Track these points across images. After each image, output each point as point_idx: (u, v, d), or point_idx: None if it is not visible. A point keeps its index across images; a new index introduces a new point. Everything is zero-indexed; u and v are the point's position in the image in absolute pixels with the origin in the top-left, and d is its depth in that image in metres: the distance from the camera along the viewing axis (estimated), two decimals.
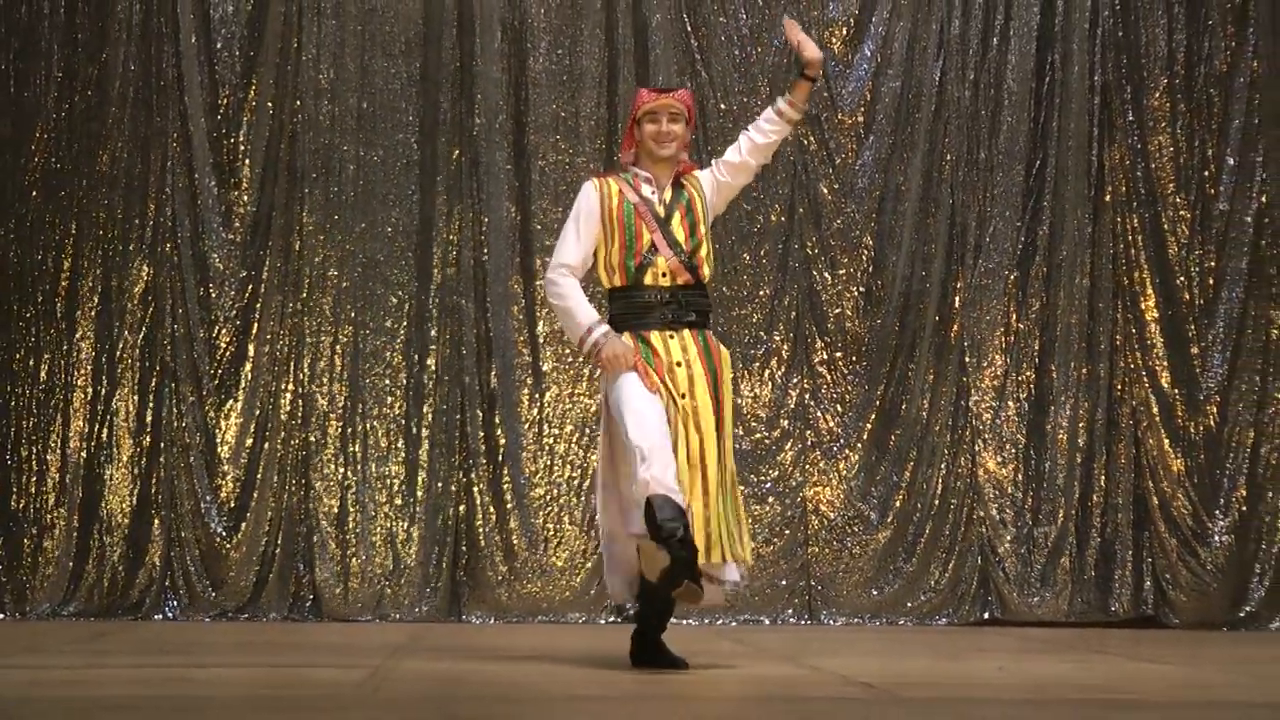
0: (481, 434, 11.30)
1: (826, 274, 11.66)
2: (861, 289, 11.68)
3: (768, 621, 11.29)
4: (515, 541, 11.22)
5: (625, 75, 11.57)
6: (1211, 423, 11.59)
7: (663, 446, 7.27)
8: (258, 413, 11.29)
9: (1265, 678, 7.93)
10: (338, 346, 11.35)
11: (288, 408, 11.30)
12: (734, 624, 11.15)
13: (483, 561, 11.21)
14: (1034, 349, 11.68)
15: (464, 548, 11.24)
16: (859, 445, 11.57)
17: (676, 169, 7.81)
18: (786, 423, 11.55)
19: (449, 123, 11.52)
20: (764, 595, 11.34)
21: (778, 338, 11.60)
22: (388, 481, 11.27)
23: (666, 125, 7.72)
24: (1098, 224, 11.73)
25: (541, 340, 11.39)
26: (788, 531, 11.44)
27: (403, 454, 11.30)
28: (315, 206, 11.43)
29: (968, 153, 11.75)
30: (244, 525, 11.17)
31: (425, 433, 11.31)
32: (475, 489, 11.25)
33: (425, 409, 11.32)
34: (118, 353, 11.23)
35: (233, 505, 11.20)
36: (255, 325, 11.33)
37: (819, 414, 11.58)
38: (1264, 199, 11.72)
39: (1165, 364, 11.63)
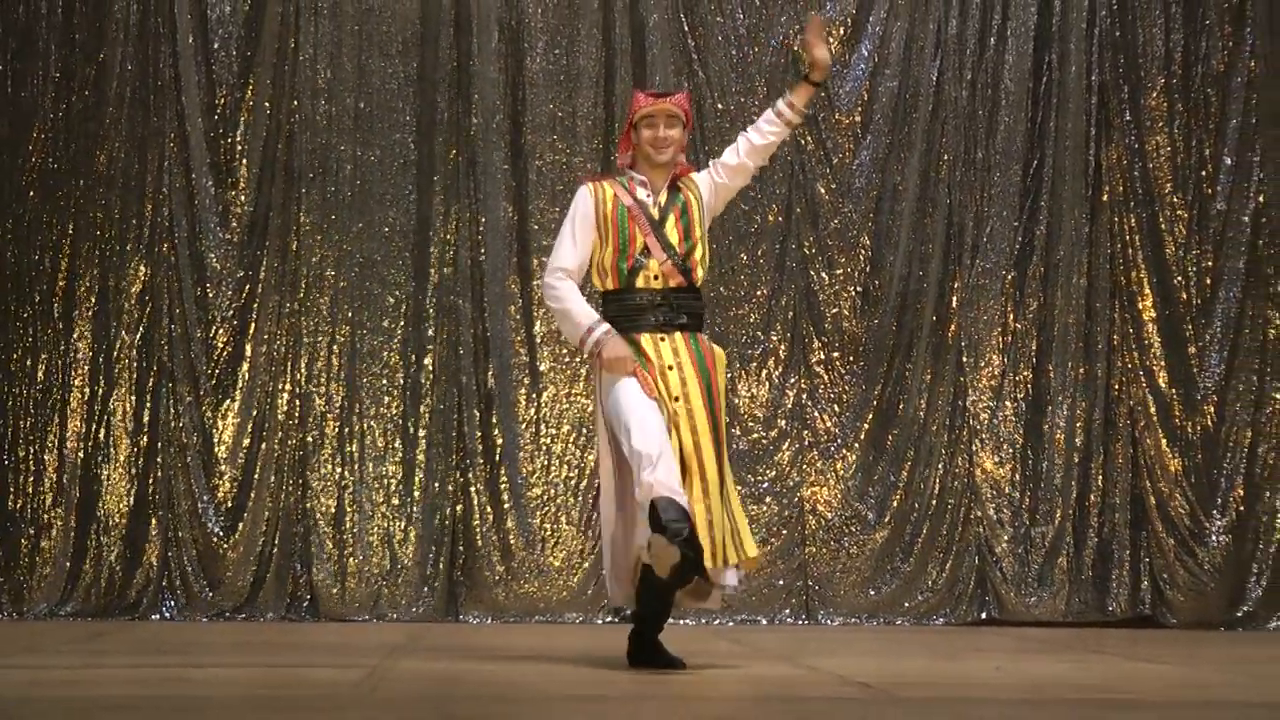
0: (479, 434, 11.30)
1: (824, 274, 11.66)
2: (859, 289, 11.69)
3: (765, 621, 11.30)
4: (512, 541, 11.22)
5: (622, 75, 11.57)
6: (1209, 422, 11.60)
7: (666, 451, 7.26)
8: (255, 413, 11.29)
9: (1263, 677, 7.93)
10: (335, 346, 11.35)
11: (285, 408, 11.30)
12: (731, 624, 11.15)
13: (480, 561, 11.21)
14: (1031, 349, 11.68)
15: (461, 548, 11.24)
16: (856, 445, 11.57)
17: (673, 172, 7.80)
18: (784, 423, 11.55)
19: (446, 123, 11.52)
20: (761, 595, 11.35)
21: (775, 338, 11.60)
22: (385, 481, 11.27)
23: (664, 130, 7.69)
24: (1095, 224, 11.73)
25: (539, 340, 11.39)
26: (785, 531, 11.44)
27: (400, 454, 11.30)
28: (312, 206, 11.43)
29: (965, 152, 11.75)
30: (241, 525, 11.17)
31: (422, 433, 11.31)
32: (472, 489, 11.25)
33: (422, 409, 11.32)
34: (115, 353, 11.23)
35: (230, 505, 11.20)
36: (252, 325, 11.33)
37: (816, 414, 11.58)
38: (1261, 199, 11.73)
39: (1163, 364, 11.64)
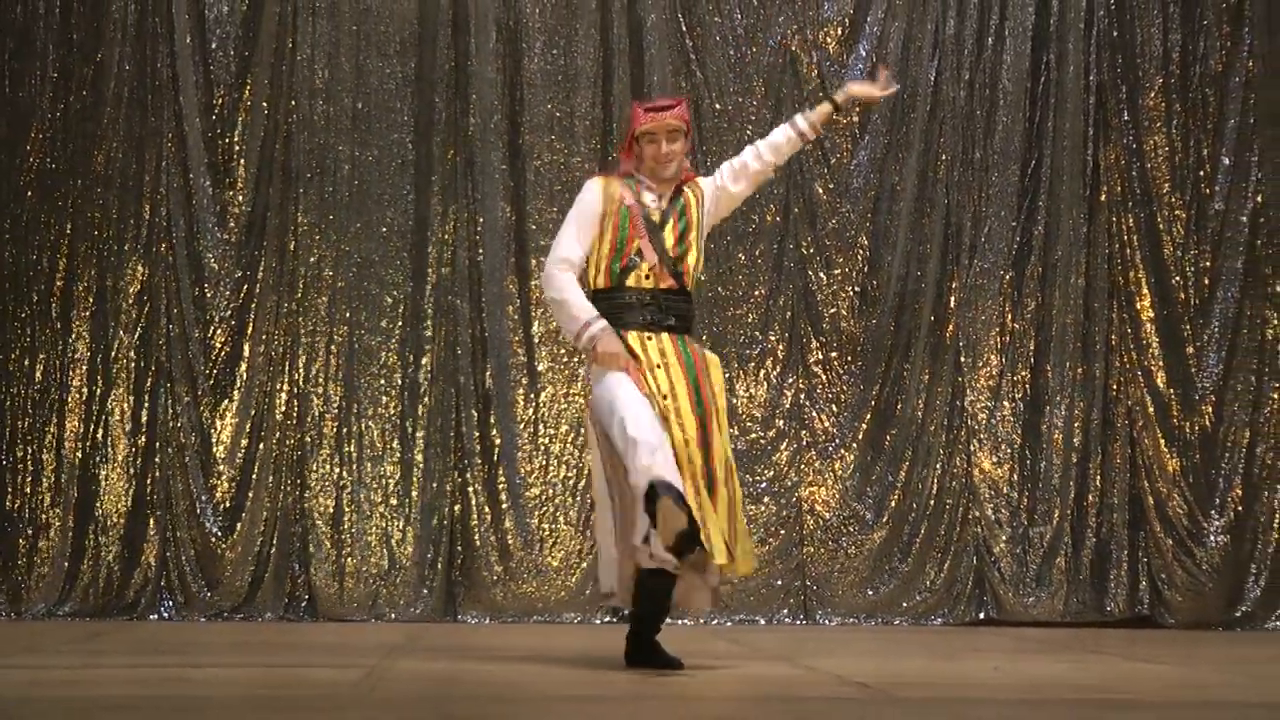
0: (476, 434, 11.30)
1: (822, 274, 11.66)
2: (857, 289, 11.69)
3: (763, 621, 11.30)
4: (510, 541, 11.22)
5: (620, 75, 11.57)
6: (1207, 422, 11.60)
7: (662, 442, 7.27)
8: (253, 413, 11.29)
9: (1261, 677, 7.94)
10: (333, 346, 11.35)
11: (283, 407, 11.30)
12: (729, 624, 11.15)
13: (478, 561, 11.21)
14: (1029, 349, 11.68)
15: (459, 548, 11.24)
16: (854, 445, 11.57)
17: (680, 179, 7.80)
18: (782, 423, 11.55)
19: (444, 123, 11.52)
20: (759, 595, 11.35)
21: (773, 338, 11.60)
22: (383, 481, 11.27)
23: (665, 146, 7.68)
24: (1093, 224, 11.73)
25: (537, 340, 11.39)
26: (783, 531, 11.44)
27: (398, 454, 11.30)
28: (310, 206, 11.43)
29: (963, 152, 11.75)
30: (239, 525, 11.17)
31: (420, 433, 11.31)
32: (470, 489, 11.25)
33: (420, 409, 11.32)
34: (113, 353, 11.23)
35: (228, 505, 11.20)
36: (250, 325, 11.33)
37: (814, 414, 11.58)
38: (1259, 198, 11.73)
39: (1161, 364, 11.64)
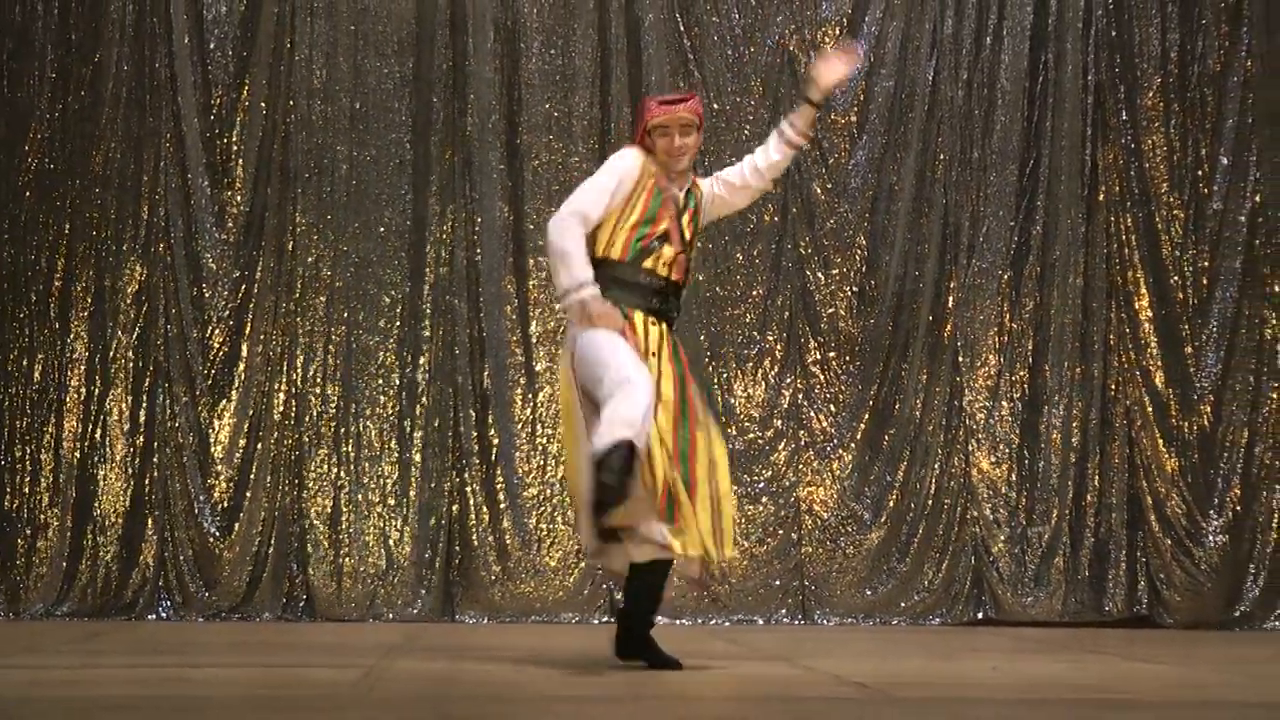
0: (474, 434, 11.29)
1: (820, 274, 11.66)
2: (855, 289, 11.69)
3: (761, 621, 11.30)
4: (508, 541, 11.22)
5: (618, 75, 11.57)
6: (1205, 422, 11.60)
7: (647, 385, 7.18)
8: (251, 413, 11.29)
9: (1260, 677, 7.93)
10: (331, 346, 11.35)
11: (281, 408, 11.30)
12: (728, 624, 11.15)
13: (476, 561, 11.21)
14: (1027, 349, 11.68)
15: (457, 548, 11.24)
16: (852, 445, 11.57)
17: (689, 175, 7.78)
18: (780, 423, 11.55)
19: (442, 123, 11.52)
20: (758, 595, 11.35)
21: (771, 338, 11.60)
22: (381, 481, 11.27)
23: (679, 139, 7.60)
24: (1091, 223, 11.73)
25: (535, 340, 11.39)
26: (781, 532, 11.44)
27: (396, 454, 11.30)
28: (308, 206, 11.43)
29: (961, 152, 11.75)
30: (237, 525, 11.17)
31: (418, 433, 11.31)
32: (468, 489, 11.25)
33: (418, 409, 11.32)
34: (111, 353, 11.23)
35: (226, 505, 11.20)
36: (248, 325, 11.33)
37: (812, 414, 11.58)
38: (1258, 198, 11.73)
39: (1159, 363, 11.64)
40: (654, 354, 7.44)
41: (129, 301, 11.28)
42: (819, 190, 11.71)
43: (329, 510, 11.21)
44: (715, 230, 11.21)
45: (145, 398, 11.23)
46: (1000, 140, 11.76)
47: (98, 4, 11.39)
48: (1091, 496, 11.55)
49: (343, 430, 11.28)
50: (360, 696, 6.47)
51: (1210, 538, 11.50)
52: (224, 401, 11.29)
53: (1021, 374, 11.66)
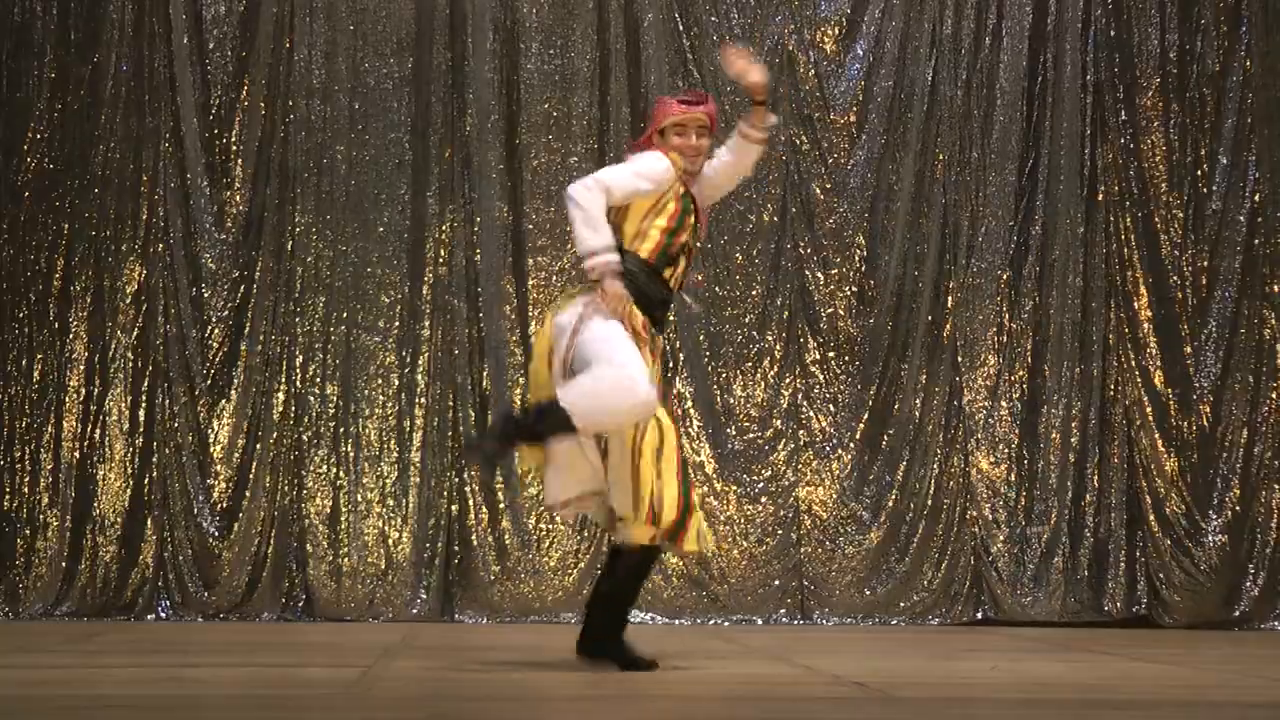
0: (474, 434, 11.29)
1: (819, 274, 11.66)
2: (854, 289, 11.69)
3: (760, 621, 11.29)
4: (507, 541, 11.21)
5: (617, 75, 11.57)
6: (1205, 422, 11.60)
7: (648, 394, 7.17)
8: (250, 413, 11.28)
9: (1260, 677, 7.93)
10: (330, 346, 11.35)
11: (280, 407, 11.29)
12: (727, 624, 11.15)
13: (475, 561, 11.21)
14: (1027, 349, 11.68)
15: (456, 547, 11.24)
16: (852, 445, 11.56)
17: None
18: (779, 423, 11.55)
19: (441, 123, 11.52)
20: (757, 595, 11.35)
21: (770, 337, 11.60)
22: (380, 481, 11.26)
23: (695, 139, 7.55)
24: (1090, 223, 11.73)
25: (534, 341, 11.36)
26: (780, 531, 11.43)
27: (395, 454, 11.29)
28: (307, 206, 11.42)
29: (960, 152, 11.75)
30: (236, 525, 11.16)
31: (418, 433, 11.31)
32: (467, 489, 11.25)
33: (417, 409, 11.32)
34: (110, 353, 11.23)
35: (225, 505, 11.20)
36: (248, 325, 11.33)
37: (812, 414, 11.57)
38: (1257, 198, 11.73)
39: (1158, 364, 11.64)
40: (654, 361, 7.41)
41: (128, 301, 11.28)
42: (818, 190, 11.71)
43: (328, 510, 11.21)
44: (715, 230, 11.21)
45: (144, 398, 11.23)
46: (999, 140, 11.76)
47: (97, 4, 11.39)
48: (1091, 496, 11.55)
49: (342, 430, 11.28)
50: (359, 696, 6.47)
51: (1210, 537, 11.50)
52: (223, 401, 11.29)
53: (1021, 374, 11.66)
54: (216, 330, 11.31)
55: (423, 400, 11.33)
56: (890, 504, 11.51)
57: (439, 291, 11.42)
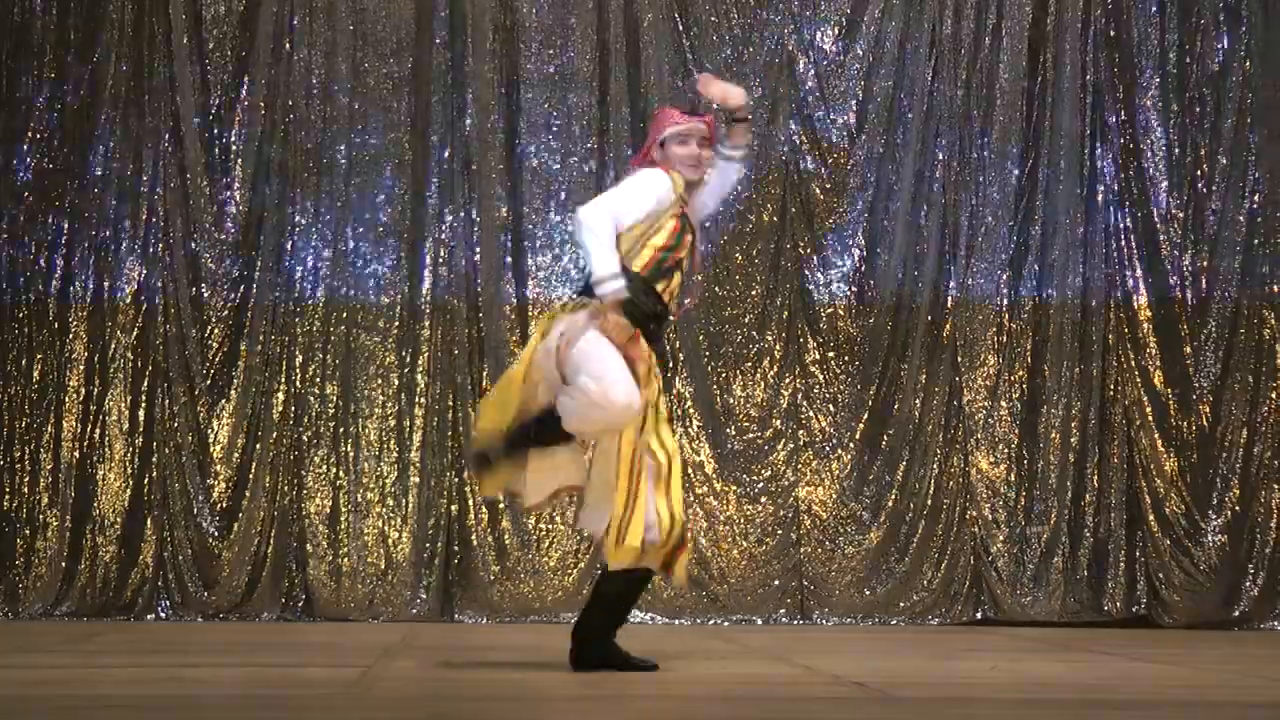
0: (473, 434, 11.27)
1: (819, 274, 11.66)
2: (854, 289, 11.68)
3: (760, 621, 11.29)
4: (507, 541, 11.21)
5: (617, 75, 11.56)
6: (1204, 422, 11.59)
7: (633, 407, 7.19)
8: (250, 412, 11.28)
9: (1259, 677, 7.93)
10: (329, 346, 11.34)
11: (280, 407, 11.29)
12: (726, 624, 11.15)
13: (475, 561, 11.21)
14: (1026, 348, 11.67)
15: (456, 547, 11.24)
16: (851, 445, 11.56)
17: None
18: (779, 423, 11.54)
19: (440, 122, 11.52)
20: (756, 595, 11.34)
21: (770, 337, 11.59)
22: (380, 481, 11.26)
23: (696, 148, 7.51)
24: (1090, 223, 11.72)
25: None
26: (780, 532, 11.43)
27: (395, 454, 11.29)
28: (307, 206, 11.42)
29: (960, 152, 11.74)
30: (236, 525, 11.16)
31: (417, 433, 11.30)
32: (467, 489, 11.24)
33: (417, 409, 11.32)
34: (110, 353, 11.23)
35: (225, 505, 11.20)
36: (247, 325, 11.33)
37: (811, 414, 11.57)
38: (1256, 198, 11.72)
39: (1158, 363, 11.63)
40: (652, 377, 7.40)
41: (128, 301, 11.28)
42: (818, 190, 11.70)
43: (328, 510, 11.21)
44: (715, 230, 11.22)
45: (144, 398, 11.23)
46: (999, 140, 11.75)
47: (96, 4, 11.39)
48: (1090, 496, 11.54)
49: (342, 430, 11.28)
50: (359, 696, 6.47)
51: (1209, 537, 11.50)
52: (223, 401, 11.29)
53: (1020, 374, 11.65)
54: (216, 330, 11.32)
55: (422, 400, 11.33)
56: (890, 504, 11.51)
57: (438, 291, 11.42)
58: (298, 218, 11.41)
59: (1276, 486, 11.56)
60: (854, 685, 7.10)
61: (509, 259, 11.48)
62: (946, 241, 11.69)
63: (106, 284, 11.27)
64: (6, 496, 11.11)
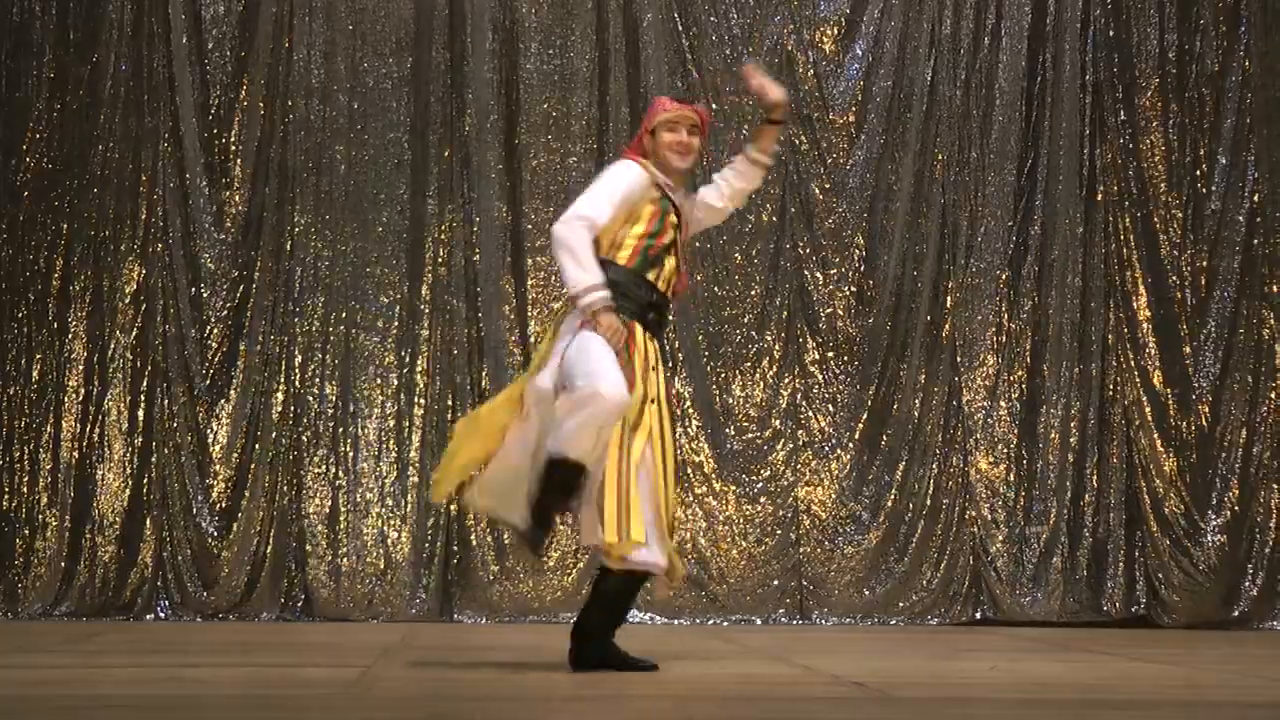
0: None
1: (818, 274, 11.66)
2: (853, 289, 11.69)
3: (759, 621, 11.29)
4: (506, 541, 11.20)
5: (616, 75, 11.57)
6: (1204, 422, 11.60)
7: (619, 402, 7.12)
8: (249, 412, 11.29)
9: (1258, 677, 7.93)
10: (329, 346, 11.35)
11: (279, 407, 11.29)
12: (726, 624, 11.15)
13: (474, 561, 11.21)
14: (1026, 349, 11.68)
15: (455, 547, 11.24)
16: (851, 445, 11.57)
17: (686, 179, 7.67)
18: (778, 423, 11.55)
19: (440, 123, 11.52)
20: (756, 595, 11.35)
21: (769, 338, 11.60)
22: (379, 481, 11.26)
23: (686, 136, 7.49)
24: (1089, 223, 11.73)
25: (533, 340, 11.37)
26: (779, 532, 11.43)
27: (394, 454, 11.29)
28: (306, 206, 11.43)
29: (959, 152, 11.75)
30: (235, 525, 11.17)
31: (416, 433, 11.30)
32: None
33: (416, 409, 11.32)
34: (109, 353, 11.23)
35: (224, 505, 11.20)
36: (246, 325, 11.33)
37: (811, 414, 11.58)
38: (1256, 198, 11.73)
39: (1157, 363, 11.64)
40: (654, 368, 7.37)
41: (127, 301, 11.28)
42: (817, 190, 11.71)
43: (327, 510, 11.22)
44: (714, 230, 11.15)
45: (143, 398, 11.23)
46: (998, 140, 11.76)
47: (96, 4, 11.40)
48: (1090, 496, 11.55)
49: (341, 430, 11.28)
50: (359, 696, 6.47)
51: (1208, 537, 11.50)
52: (222, 401, 11.30)
53: (1020, 374, 11.66)
54: (215, 330, 11.32)
55: (422, 400, 11.33)
56: (889, 504, 11.51)
57: (438, 291, 11.42)
58: (297, 217, 11.41)
59: (1276, 486, 11.57)
60: (853, 685, 7.10)
61: (509, 259, 11.48)
62: (946, 241, 11.70)
63: (106, 284, 11.27)
64: (6, 496, 11.12)
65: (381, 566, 11.18)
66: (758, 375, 11.58)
